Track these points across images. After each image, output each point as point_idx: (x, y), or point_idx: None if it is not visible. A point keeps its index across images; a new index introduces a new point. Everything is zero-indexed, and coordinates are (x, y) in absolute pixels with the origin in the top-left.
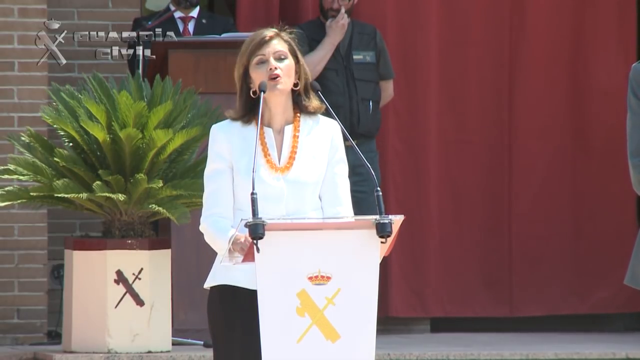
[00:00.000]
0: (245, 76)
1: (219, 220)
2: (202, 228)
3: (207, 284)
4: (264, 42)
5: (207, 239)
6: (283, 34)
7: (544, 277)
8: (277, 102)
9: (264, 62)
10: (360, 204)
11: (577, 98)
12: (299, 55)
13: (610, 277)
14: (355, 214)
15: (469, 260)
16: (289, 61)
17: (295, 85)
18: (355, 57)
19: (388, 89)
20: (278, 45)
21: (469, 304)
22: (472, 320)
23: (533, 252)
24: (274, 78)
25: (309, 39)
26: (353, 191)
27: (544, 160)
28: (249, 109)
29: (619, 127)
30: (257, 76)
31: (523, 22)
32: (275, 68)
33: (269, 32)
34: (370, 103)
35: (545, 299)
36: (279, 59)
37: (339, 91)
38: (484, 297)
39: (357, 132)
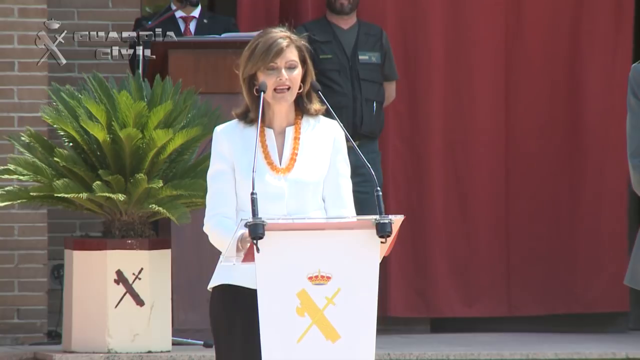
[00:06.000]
0: (253, 77)
1: (223, 220)
2: (206, 229)
3: (210, 285)
4: (279, 52)
5: (212, 239)
6: (294, 38)
7: (541, 277)
8: (280, 106)
9: (274, 69)
10: (362, 205)
11: (574, 98)
12: (308, 61)
13: (605, 276)
14: (357, 214)
15: (473, 260)
16: (298, 70)
17: (299, 88)
18: (361, 57)
19: (390, 91)
20: (291, 54)
21: (470, 304)
22: (472, 321)
23: (531, 251)
24: (282, 90)
25: (313, 39)
26: (355, 192)
27: (542, 160)
28: (254, 109)
29: (615, 127)
30: (266, 80)
31: (520, 22)
32: (286, 79)
33: (284, 41)
34: (375, 104)
35: (542, 298)
36: (290, 68)
37: (342, 91)
38: (484, 297)
39: (360, 133)
